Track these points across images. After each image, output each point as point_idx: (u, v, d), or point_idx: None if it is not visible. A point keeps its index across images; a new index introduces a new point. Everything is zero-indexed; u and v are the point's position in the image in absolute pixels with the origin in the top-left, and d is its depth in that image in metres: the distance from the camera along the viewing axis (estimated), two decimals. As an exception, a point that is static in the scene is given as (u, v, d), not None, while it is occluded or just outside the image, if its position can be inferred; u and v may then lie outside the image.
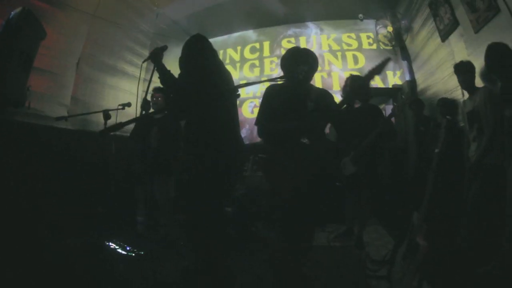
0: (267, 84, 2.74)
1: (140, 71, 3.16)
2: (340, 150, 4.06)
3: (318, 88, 2.85)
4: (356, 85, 3.79)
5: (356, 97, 3.98)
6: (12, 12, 3.55)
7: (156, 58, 2.81)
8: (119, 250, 3.78)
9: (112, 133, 3.62)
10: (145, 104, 4.77)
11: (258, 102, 7.60)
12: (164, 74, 2.81)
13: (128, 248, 3.81)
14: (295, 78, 2.62)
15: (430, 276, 2.46)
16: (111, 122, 4.20)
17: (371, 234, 4.43)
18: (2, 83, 3.47)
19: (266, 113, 2.69)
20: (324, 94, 2.80)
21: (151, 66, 2.85)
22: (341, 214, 4.51)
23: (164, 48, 2.89)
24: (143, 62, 3.04)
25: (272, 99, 2.69)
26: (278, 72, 7.76)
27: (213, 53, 2.89)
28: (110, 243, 3.84)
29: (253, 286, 2.97)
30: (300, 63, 2.63)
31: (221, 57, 8.19)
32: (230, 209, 4.35)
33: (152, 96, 4.49)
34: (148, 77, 3.06)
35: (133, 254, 3.74)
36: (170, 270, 3.23)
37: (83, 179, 4.70)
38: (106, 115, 4.16)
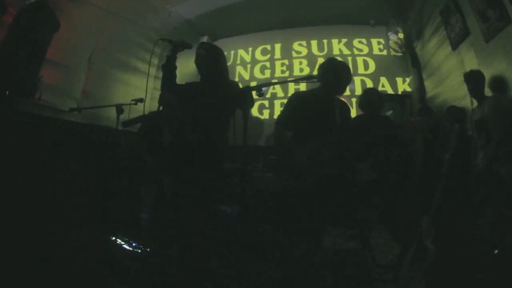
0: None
1: (153, 49, 3.12)
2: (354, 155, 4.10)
3: (340, 100, 2.88)
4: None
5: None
6: (26, 2, 3.59)
7: (176, 48, 2.83)
8: (125, 246, 3.76)
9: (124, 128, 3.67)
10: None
11: (268, 103, 7.72)
12: (172, 67, 2.88)
13: (134, 245, 3.80)
14: (328, 88, 2.68)
15: (438, 281, 2.47)
16: (123, 117, 4.19)
17: (377, 238, 4.43)
18: (14, 73, 3.49)
19: (286, 117, 2.78)
20: (344, 107, 2.86)
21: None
22: (348, 217, 4.51)
23: (188, 46, 2.90)
24: (160, 40, 2.90)
25: (298, 107, 2.76)
26: (288, 74, 7.85)
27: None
28: (116, 239, 3.83)
29: (260, 286, 2.98)
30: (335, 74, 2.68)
31: (232, 57, 8.30)
32: (235, 209, 4.34)
33: None
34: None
35: (139, 251, 3.73)
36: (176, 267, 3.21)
37: (90, 173, 4.72)
38: (120, 109, 4.15)
